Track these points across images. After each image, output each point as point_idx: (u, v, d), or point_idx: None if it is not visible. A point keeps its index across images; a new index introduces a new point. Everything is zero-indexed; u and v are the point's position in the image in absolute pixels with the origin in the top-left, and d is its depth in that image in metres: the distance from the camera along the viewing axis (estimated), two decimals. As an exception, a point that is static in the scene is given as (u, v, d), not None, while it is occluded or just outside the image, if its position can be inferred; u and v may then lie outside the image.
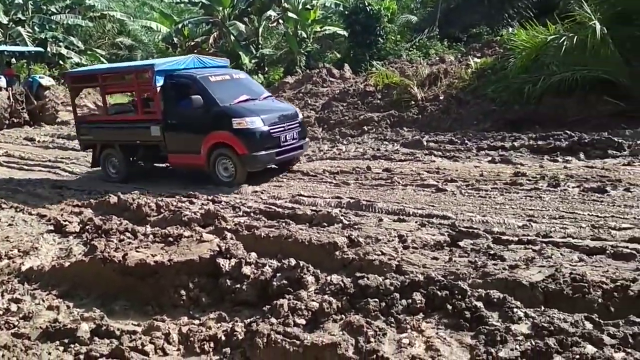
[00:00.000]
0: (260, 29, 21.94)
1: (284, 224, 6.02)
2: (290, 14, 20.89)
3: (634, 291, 3.64)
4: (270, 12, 22.09)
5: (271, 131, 8.58)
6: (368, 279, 3.97)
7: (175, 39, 24.35)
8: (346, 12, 19.65)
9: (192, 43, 23.54)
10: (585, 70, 10.17)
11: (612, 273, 4.09)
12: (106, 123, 10.33)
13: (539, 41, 11.26)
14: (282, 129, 8.77)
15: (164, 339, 3.82)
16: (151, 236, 5.83)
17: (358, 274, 4.15)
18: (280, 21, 22.62)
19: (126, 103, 12.37)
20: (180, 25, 22.73)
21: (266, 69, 22.08)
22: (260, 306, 4.13)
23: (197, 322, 4.25)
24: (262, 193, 8.15)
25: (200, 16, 23.29)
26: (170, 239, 5.55)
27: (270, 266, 4.72)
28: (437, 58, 15.44)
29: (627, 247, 4.76)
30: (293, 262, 4.57)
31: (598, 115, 10.06)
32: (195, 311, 4.53)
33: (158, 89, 9.10)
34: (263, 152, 8.47)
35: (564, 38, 10.51)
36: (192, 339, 3.80)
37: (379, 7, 18.19)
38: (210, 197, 7.88)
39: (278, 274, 4.53)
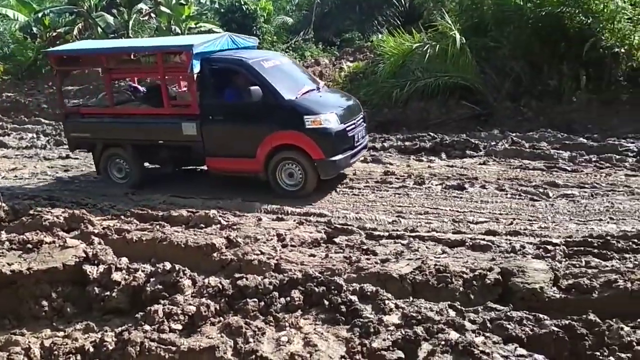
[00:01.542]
0: (131, 22, 20.76)
1: (158, 227, 5.79)
2: (163, 8, 20.02)
3: (490, 279, 4.01)
4: (142, 5, 21.03)
5: (347, 129, 7.30)
6: (247, 279, 3.97)
7: (35, 29, 22.30)
8: (222, 10, 19.34)
9: (54, 34, 21.71)
10: (446, 77, 11.01)
11: (471, 263, 4.45)
12: (111, 117, 8.27)
13: (406, 48, 11.96)
14: (354, 125, 7.50)
15: (24, 354, 3.50)
16: (7, 243, 5.28)
17: (237, 275, 4.13)
18: (153, 15, 21.66)
19: (121, 89, 10.37)
20: (40, 14, 20.82)
21: (137, 64, 20.95)
22: (133, 313, 3.95)
23: (61, 334, 3.97)
24: (133, 194, 7.77)
25: (63, 5, 21.54)
26: (30, 245, 5.08)
27: (143, 271, 4.53)
28: (313, 60, 15.79)
29: (483, 239, 5.25)
30: (168, 265, 4.44)
31: (457, 119, 10.95)
32: (59, 322, 4.23)
33: (195, 76, 7.39)
34: (341, 156, 7.16)
35: (427, 46, 11.29)
36: (56, 352, 3.51)
37: (255, 6, 18.16)
38: (75, 200, 7.35)
39: (152, 279, 4.37)
